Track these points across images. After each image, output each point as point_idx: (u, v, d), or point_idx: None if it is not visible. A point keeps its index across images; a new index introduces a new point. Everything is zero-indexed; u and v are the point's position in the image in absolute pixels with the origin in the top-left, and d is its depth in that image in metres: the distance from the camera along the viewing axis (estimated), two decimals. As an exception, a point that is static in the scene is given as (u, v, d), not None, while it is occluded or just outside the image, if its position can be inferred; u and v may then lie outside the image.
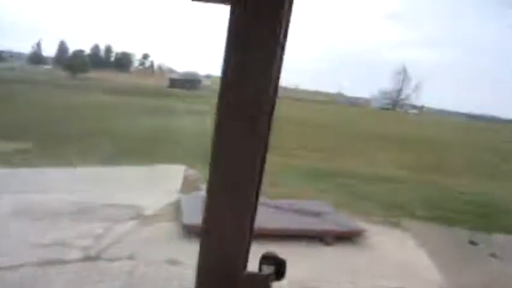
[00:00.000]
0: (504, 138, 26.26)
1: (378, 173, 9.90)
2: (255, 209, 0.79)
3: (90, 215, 4.94)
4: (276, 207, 5.34)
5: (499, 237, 5.80)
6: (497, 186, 10.02)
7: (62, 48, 44.91)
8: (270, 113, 0.76)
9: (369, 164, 11.44)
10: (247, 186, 0.74)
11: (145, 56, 57.01)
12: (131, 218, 4.96)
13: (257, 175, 0.75)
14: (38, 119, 11.80)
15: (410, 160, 12.92)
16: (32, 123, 11.08)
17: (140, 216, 5.04)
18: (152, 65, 58.60)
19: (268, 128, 0.77)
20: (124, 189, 6.14)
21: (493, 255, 5.05)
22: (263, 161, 0.78)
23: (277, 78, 0.76)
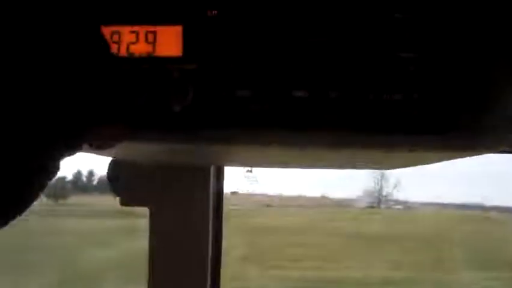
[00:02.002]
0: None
1: (372, 276, 9.45)
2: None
3: None
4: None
5: None
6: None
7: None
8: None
9: (362, 268, 10.97)
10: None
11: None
12: None
13: None
14: None
15: (405, 258, 12.48)
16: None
17: None
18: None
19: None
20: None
21: None
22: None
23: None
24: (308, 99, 0.40)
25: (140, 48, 0.42)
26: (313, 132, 0.40)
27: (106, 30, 0.42)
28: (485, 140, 0.40)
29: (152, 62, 0.41)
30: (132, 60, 0.42)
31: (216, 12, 0.40)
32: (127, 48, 0.42)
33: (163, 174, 0.82)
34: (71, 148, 0.32)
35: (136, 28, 0.42)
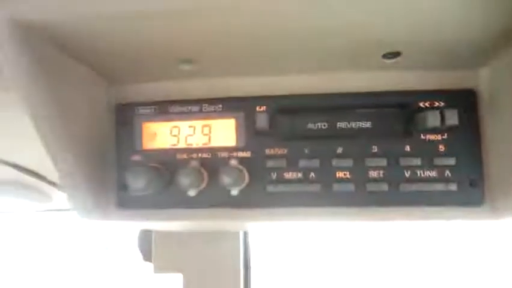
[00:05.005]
0: None
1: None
2: None
3: None
4: None
5: None
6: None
7: None
8: None
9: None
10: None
11: None
12: None
13: None
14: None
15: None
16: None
17: None
18: None
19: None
20: None
21: None
22: None
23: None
24: (352, 180, 0.45)
25: (197, 140, 0.48)
26: (359, 210, 0.45)
27: (166, 126, 0.48)
28: None
29: (208, 151, 0.47)
30: (190, 150, 0.48)
31: (264, 108, 0.47)
32: (185, 139, 0.48)
33: (193, 241, 0.86)
34: None
35: (193, 122, 0.48)
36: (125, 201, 0.48)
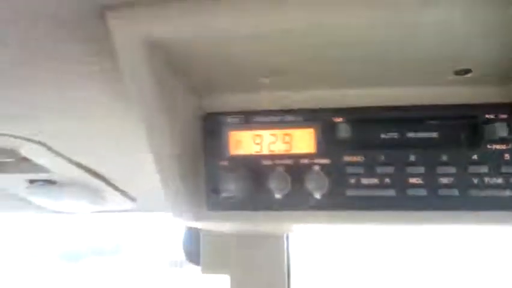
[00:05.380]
0: None
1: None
2: None
3: None
4: None
5: None
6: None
7: None
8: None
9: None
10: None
11: None
12: None
13: None
14: None
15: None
16: None
17: None
18: None
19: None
20: None
21: None
22: None
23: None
24: (424, 186, 0.50)
25: (279, 147, 0.52)
26: (428, 213, 0.50)
27: (251, 134, 0.53)
28: None
29: (290, 157, 0.52)
30: (274, 156, 0.52)
31: (343, 118, 0.51)
32: (268, 147, 0.53)
33: (241, 243, 0.90)
34: None
35: (275, 131, 0.53)
36: (216, 204, 0.52)
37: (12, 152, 0.71)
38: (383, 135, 0.52)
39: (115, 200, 0.94)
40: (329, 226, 0.55)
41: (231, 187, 0.49)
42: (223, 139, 0.53)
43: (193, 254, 1.04)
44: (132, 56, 0.40)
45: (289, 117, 0.53)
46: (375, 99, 0.52)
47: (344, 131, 0.51)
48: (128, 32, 0.39)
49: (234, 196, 0.50)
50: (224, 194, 0.50)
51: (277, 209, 0.51)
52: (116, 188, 0.85)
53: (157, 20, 0.38)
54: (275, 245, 0.94)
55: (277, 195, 0.50)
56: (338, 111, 0.52)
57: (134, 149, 0.69)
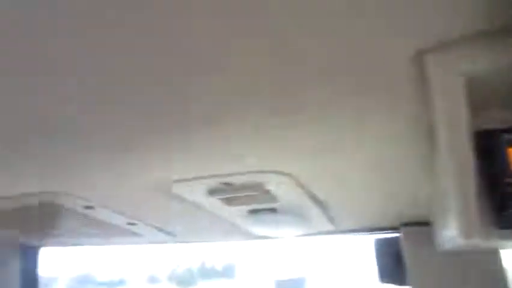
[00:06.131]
0: None
1: None
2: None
3: None
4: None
5: None
6: None
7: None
8: None
9: None
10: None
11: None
12: None
13: None
14: None
15: None
16: None
17: None
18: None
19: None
20: None
21: None
22: None
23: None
24: None
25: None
26: None
27: None
28: None
29: None
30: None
31: None
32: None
33: (453, 261, 0.85)
34: None
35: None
36: (506, 221, 0.51)
37: (258, 186, 0.76)
38: None
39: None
40: None
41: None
42: (501, 156, 0.52)
43: (387, 273, 1.00)
44: (452, 96, 0.42)
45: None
46: None
47: None
48: (449, 72, 0.41)
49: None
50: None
51: None
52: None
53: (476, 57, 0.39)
54: (491, 260, 0.87)
55: None
56: None
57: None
